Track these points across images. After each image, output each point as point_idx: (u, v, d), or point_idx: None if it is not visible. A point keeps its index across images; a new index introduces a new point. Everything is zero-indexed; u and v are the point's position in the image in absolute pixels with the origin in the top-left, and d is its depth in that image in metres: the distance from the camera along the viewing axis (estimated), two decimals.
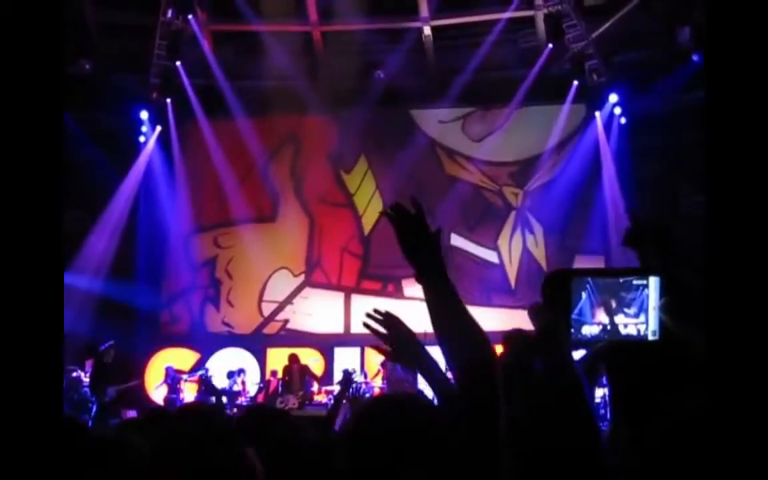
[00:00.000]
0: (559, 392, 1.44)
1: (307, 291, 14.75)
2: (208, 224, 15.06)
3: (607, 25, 12.93)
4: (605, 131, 13.79)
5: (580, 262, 13.08)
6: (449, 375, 1.84)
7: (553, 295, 1.52)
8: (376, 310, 2.06)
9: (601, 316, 1.49)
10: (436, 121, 15.01)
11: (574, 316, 1.50)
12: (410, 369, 2.03)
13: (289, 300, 14.68)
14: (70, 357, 11.99)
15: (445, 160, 14.99)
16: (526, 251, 14.32)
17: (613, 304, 1.50)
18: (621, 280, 1.51)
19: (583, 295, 1.49)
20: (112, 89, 13.72)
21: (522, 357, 1.40)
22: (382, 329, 2.03)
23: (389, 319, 2.04)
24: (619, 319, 1.50)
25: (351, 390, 11.68)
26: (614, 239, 13.27)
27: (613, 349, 1.56)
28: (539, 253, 14.24)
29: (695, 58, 12.07)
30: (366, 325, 2.01)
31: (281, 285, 14.77)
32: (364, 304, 13.93)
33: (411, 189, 14.29)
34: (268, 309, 14.68)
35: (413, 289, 14.76)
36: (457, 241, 14.39)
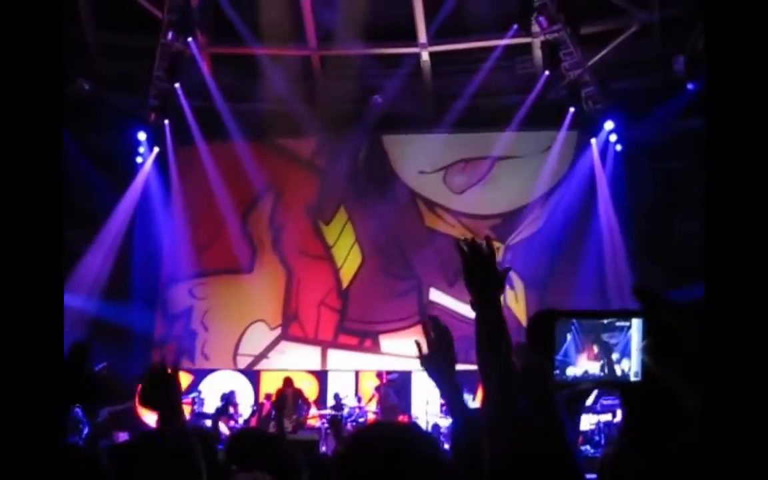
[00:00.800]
0: (540, 431, 1.48)
1: (283, 345, 14.51)
2: (183, 275, 14.91)
3: (603, 52, 13.06)
4: (600, 158, 13.85)
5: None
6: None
7: (537, 335, 1.53)
8: (433, 319, 2.24)
9: (586, 358, 1.51)
10: (417, 172, 14.94)
11: (558, 357, 1.51)
12: (436, 375, 2.13)
13: (264, 354, 14.46)
14: None
15: (425, 212, 14.82)
16: (506, 308, 13.90)
17: (596, 347, 1.52)
18: (605, 322, 1.51)
19: (568, 336, 1.51)
20: (111, 110, 13.74)
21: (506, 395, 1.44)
22: (431, 333, 2.19)
23: (440, 329, 2.20)
24: (603, 360, 1.52)
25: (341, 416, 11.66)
26: (610, 272, 13.29)
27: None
28: (519, 309, 13.94)
29: (690, 86, 12.16)
30: (423, 323, 2.19)
31: (257, 338, 14.56)
32: (340, 359, 13.95)
33: (390, 241, 14.48)
34: (243, 362, 14.44)
35: (390, 343, 15.02)
36: (435, 296, 14.23)
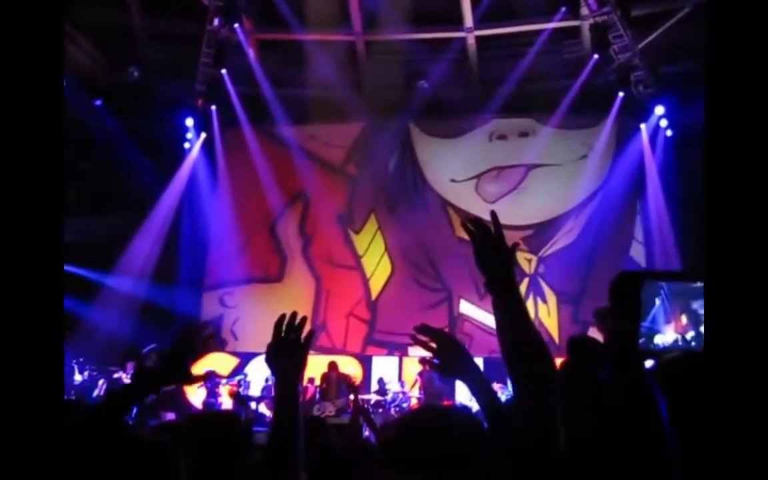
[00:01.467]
0: (626, 405, 1.38)
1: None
2: (212, 283, 15.00)
3: (653, 35, 12.74)
4: (650, 144, 13.55)
5: (594, 335, 12.70)
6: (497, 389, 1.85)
7: (621, 300, 1.44)
8: (423, 326, 2.05)
9: (673, 328, 1.38)
10: (449, 180, 14.76)
11: (645, 324, 1.40)
12: (462, 379, 2.02)
13: None
14: (113, 359, 12.18)
15: (456, 221, 14.41)
16: (537, 321, 13.60)
17: (684, 317, 1.40)
18: (699, 286, 1.40)
19: (657, 301, 1.40)
20: (159, 96, 13.93)
21: (585, 364, 1.35)
22: (432, 344, 2.03)
23: (437, 334, 2.04)
24: (693, 331, 1.39)
25: (384, 401, 11.66)
26: (658, 255, 13.02)
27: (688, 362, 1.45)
28: (551, 323, 13.74)
29: None
30: (414, 339, 2.01)
31: None
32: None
33: (420, 252, 14.33)
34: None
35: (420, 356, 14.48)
36: (465, 308, 14.07)
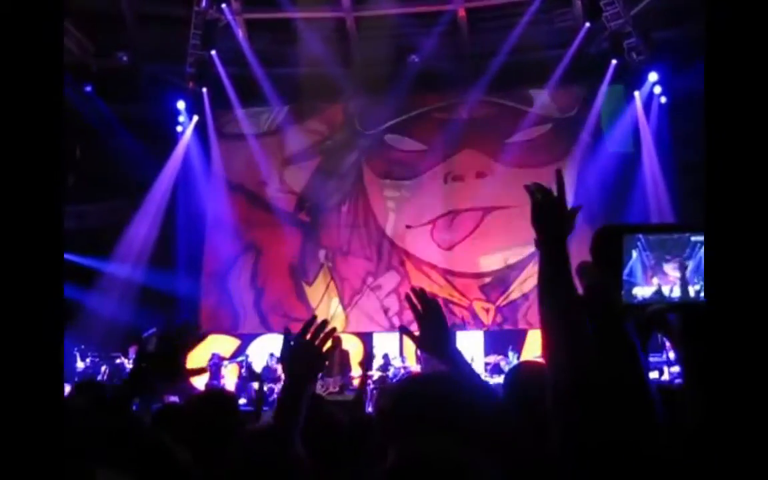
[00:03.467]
0: (609, 356, 1.40)
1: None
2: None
3: (645, 1, 12.67)
4: (645, 112, 13.53)
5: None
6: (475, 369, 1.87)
7: (601, 252, 1.44)
8: (421, 289, 2.08)
9: (654, 277, 1.38)
10: (404, 226, 14.45)
11: (623, 277, 1.41)
12: (439, 359, 2.03)
13: None
14: (114, 344, 12.22)
15: (411, 270, 14.28)
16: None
17: (668, 266, 1.40)
18: (675, 237, 1.40)
19: (634, 253, 1.39)
20: (149, 80, 13.85)
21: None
22: (418, 307, 2.05)
23: (429, 303, 2.05)
24: (675, 280, 1.39)
25: (386, 375, 11.70)
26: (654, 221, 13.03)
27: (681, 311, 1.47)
28: None
29: None
30: (407, 298, 2.05)
31: None
32: None
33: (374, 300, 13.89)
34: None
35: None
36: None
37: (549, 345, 1.51)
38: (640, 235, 1.41)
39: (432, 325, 2.05)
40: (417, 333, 2.14)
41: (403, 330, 2.14)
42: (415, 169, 14.52)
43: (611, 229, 1.44)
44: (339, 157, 14.80)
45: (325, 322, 2.11)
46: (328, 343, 2.10)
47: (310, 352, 2.07)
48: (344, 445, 3.01)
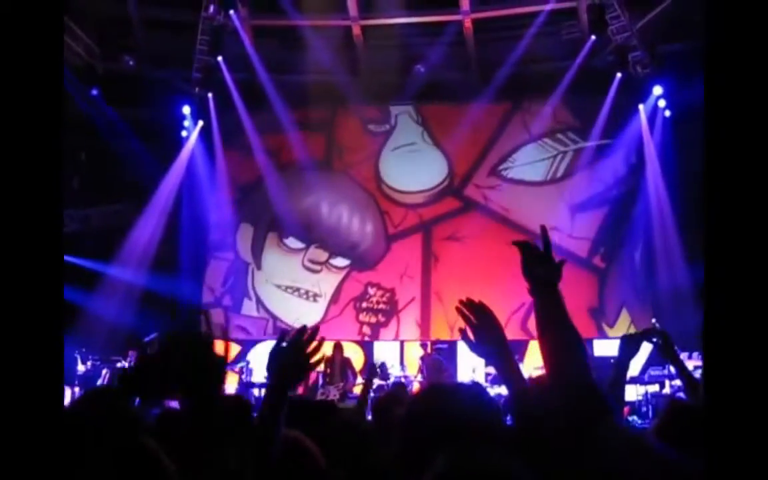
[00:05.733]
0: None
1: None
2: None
3: (651, 15, 12.71)
4: (649, 125, 13.55)
5: None
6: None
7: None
8: (468, 300, 2.13)
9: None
10: None
11: None
12: (491, 358, 2.11)
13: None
14: (115, 348, 12.21)
15: None
16: None
17: None
18: None
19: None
20: (155, 84, 13.88)
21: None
22: (472, 318, 2.11)
23: (479, 309, 2.12)
24: None
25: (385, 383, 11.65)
26: (659, 246, 13.04)
27: None
28: None
29: None
30: (458, 310, 2.11)
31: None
32: None
33: None
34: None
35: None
36: None
37: (553, 374, 1.70)
38: None
39: (485, 329, 2.10)
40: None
41: (462, 330, 2.18)
42: None
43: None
44: None
45: (316, 331, 2.14)
46: (318, 355, 2.14)
47: (295, 359, 2.11)
48: (349, 452, 3.02)
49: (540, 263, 1.83)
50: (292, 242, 14.93)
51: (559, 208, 14.03)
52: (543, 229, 1.94)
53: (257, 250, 14.95)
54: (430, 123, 15.03)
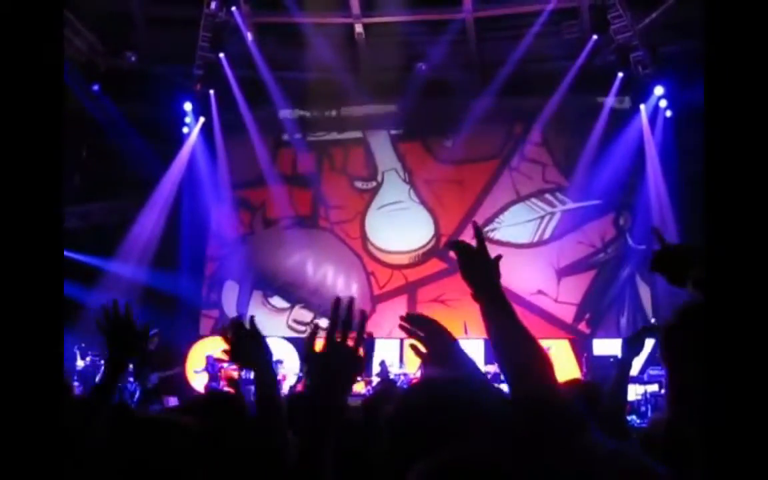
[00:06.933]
0: None
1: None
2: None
3: (653, 15, 12.68)
4: (650, 125, 13.53)
5: None
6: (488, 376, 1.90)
7: None
8: (409, 314, 2.01)
9: None
10: None
11: None
12: (445, 361, 1.98)
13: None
14: None
15: None
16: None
17: None
18: None
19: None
20: (157, 80, 13.87)
21: None
22: (419, 332, 1.96)
23: (424, 322, 1.98)
24: None
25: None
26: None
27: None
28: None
29: None
30: (402, 328, 1.95)
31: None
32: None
33: None
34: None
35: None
36: None
37: (509, 371, 1.65)
38: None
39: (438, 343, 1.98)
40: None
41: (415, 349, 2.06)
42: None
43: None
44: None
45: (351, 302, 1.68)
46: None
47: (342, 357, 1.70)
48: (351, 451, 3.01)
49: (476, 261, 1.79)
50: (277, 301, 14.94)
51: (546, 272, 14.06)
52: (475, 225, 1.90)
53: (242, 308, 14.66)
54: (415, 179, 15.06)
